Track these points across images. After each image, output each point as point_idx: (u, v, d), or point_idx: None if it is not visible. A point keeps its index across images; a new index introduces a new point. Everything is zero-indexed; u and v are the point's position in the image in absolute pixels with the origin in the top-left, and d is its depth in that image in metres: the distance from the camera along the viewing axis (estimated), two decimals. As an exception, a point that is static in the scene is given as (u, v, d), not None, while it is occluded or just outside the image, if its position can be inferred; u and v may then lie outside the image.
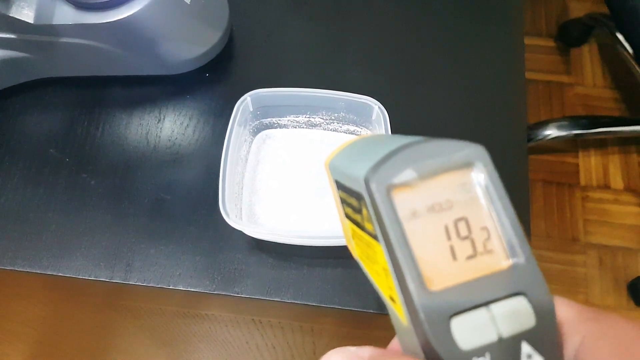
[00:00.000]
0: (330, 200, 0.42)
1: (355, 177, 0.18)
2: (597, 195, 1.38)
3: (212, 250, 0.42)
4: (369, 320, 0.41)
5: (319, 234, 0.41)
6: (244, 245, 0.42)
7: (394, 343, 0.20)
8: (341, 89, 0.43)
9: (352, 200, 0.19)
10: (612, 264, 1.31)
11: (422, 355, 0.16)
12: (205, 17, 0.47)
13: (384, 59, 0.50)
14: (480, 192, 0.17)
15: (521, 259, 0.17)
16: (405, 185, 0.17)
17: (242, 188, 0.43)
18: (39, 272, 0.41)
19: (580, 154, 1.43)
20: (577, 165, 1.41)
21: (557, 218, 1.35)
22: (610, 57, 1.53)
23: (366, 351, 0.18)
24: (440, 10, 0.52)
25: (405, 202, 0.17)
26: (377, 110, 0.42)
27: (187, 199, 0.44)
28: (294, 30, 0.51)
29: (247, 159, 0.44)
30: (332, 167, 0.22)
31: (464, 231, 0.17)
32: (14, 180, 0.44)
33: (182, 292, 0.41)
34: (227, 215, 0.38)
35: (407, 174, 0.17)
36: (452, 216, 0.17)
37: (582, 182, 1.39)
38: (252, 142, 0.45)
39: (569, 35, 1.55)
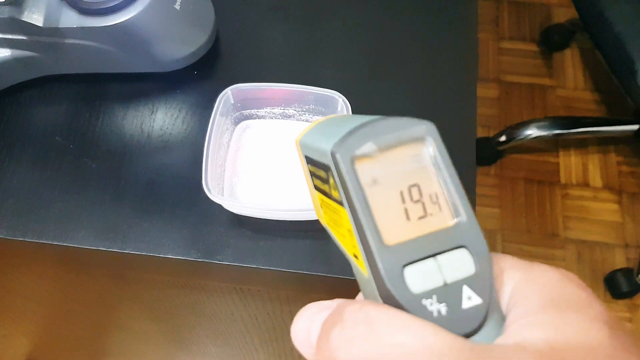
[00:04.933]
0: (300, 181, 0.49)
1: (324, 151, 0.20)
2: (577, 192, 1.43)
3: (197, 224, 0.48)
4: (336, 285, 0.47)
5: (290, 209, 0.47)
6: (225, 220, 0.48)
7: (359, 296, 0.23)
8: (313, 84, 0.49)
9: (321, 172, 0.21)
10: (590, 258, 1.36)
11: (380, 300, 0.19)
12: (193, 21, 0.53)
13: (351, 58, 0.56)
14: (430, 163, 0.20)
15: (464, 218, 0.19)
16: (366, 156, 0.19)
17: (224, 171, 0.49)
18: (46, 242, 0.47)
19: (561, 154, 1.48)
20: (558, 164, 1.47)
21: (537, 214, 1.41)
22: (591, 61, 1.59)
23: (335, 302, 0.21)
24: (403, 17, 0.58)
25: (367, 171, 0.19)
26: (342, 103, 0.48)
27: (175, 181, 0.50)
28: (273, 32, 0.57)
29: (229, 146, 0.50)
30: (302, 144, 0.23)
31: (416, 196, 0.19)
32: (24, 164, 0.50)
33: (171, 260, 0.47)
34: (210, 191, 0.44)
35: (368, 147, 0.19)
36: (406, 183, 0.19)
37: (563, 180, 1.45)
38: (233, 131, 0.51)
39: (552, 40, 1.59)
